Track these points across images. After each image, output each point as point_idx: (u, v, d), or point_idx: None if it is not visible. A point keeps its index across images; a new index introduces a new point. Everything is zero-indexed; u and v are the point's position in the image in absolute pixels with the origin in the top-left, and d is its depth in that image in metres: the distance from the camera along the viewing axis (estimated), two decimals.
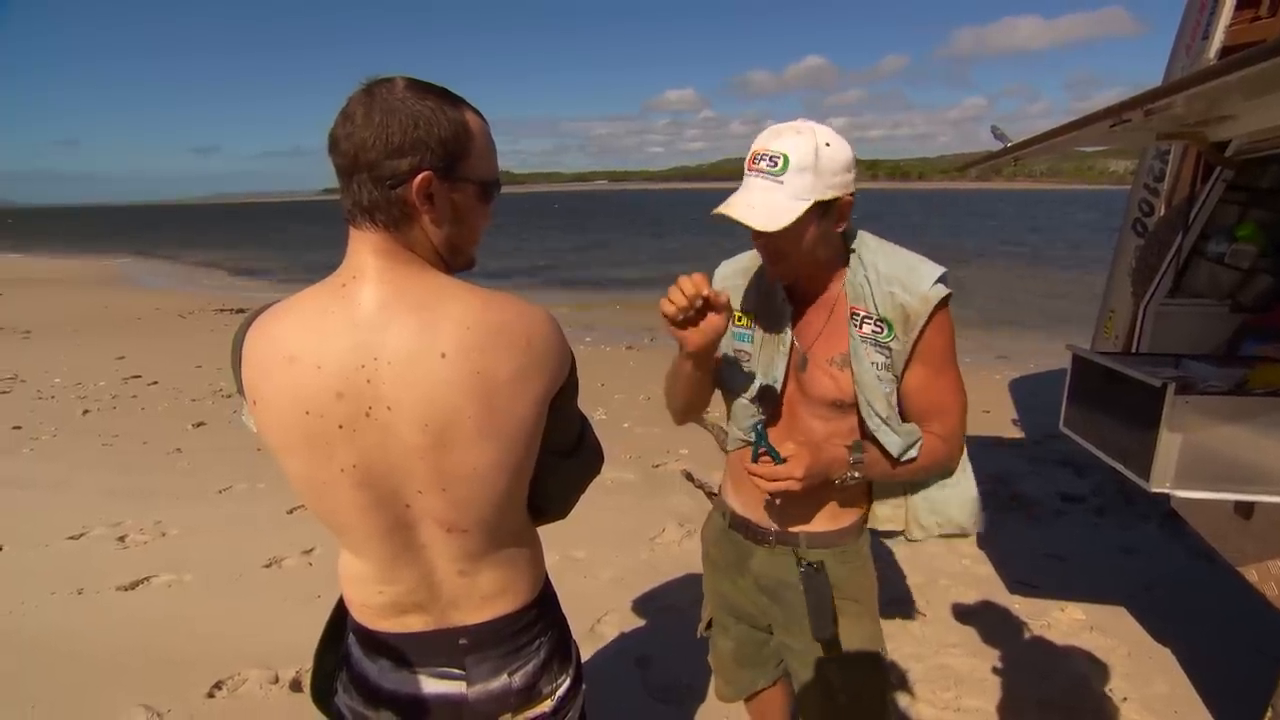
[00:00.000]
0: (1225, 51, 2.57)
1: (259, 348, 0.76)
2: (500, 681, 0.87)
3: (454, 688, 0.87)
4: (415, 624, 0.86)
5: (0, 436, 4.78)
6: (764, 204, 0.99)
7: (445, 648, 0.87)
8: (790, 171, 0.98)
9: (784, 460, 1.07)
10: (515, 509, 0.87)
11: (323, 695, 0.98)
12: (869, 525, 1.27)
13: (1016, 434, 4.73)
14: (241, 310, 10.86)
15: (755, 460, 1.09)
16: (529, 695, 0.89)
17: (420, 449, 0.75)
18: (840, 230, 1.08)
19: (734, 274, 1.25)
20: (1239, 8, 2.59)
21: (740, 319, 1.22)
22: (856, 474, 1.12)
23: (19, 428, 4.95)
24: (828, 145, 1.00)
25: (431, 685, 0.87)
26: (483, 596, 0.86)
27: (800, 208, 0.98)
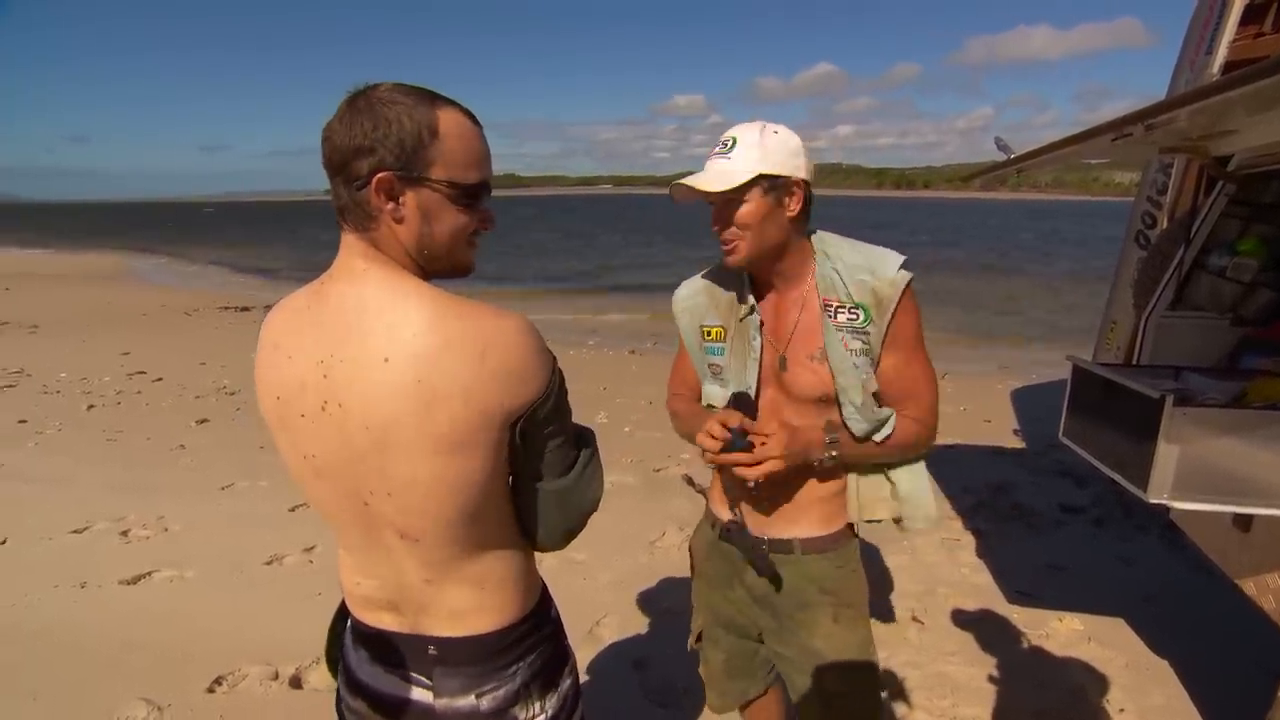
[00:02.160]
0: (1229, 67, 2.59)
1: (261, 336, 0.82)
2: (467, 702, 0.85)
3: (422, 695, 0.86)
4: (389, 622, 0.87)
5: (6, 430, 4.81)
6: (713, 173, 1.10)
7: (415, 653, 0.86)
8: (738, 149, 1.10)
9: (759, 444, 1.09)
10: (478, 526, 0.82)
11: (334, 664, 1.00)
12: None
13: (1017, 444, 4.73)
14: (246, 308, 10.92)
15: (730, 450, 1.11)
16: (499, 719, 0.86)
17: (364, 450, 0.76)
18: (793, 216, 1.12)
19: (694, 293, 1.30)
20: (1243, 23, 2.60)
21: (710, 332, 1.26)
22: (834, 453, 1.15)
23: (24, 422, 4.99)
24: (775, 133, 1.10)
25: (400, 688, 0.87)
26: (451, 611, 0.84)
27: (745, 175, 1.07)
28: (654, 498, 3.75)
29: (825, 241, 1.18)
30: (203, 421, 5.12)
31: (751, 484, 1.12)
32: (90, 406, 5.44)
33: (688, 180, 1.10)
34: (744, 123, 1.13)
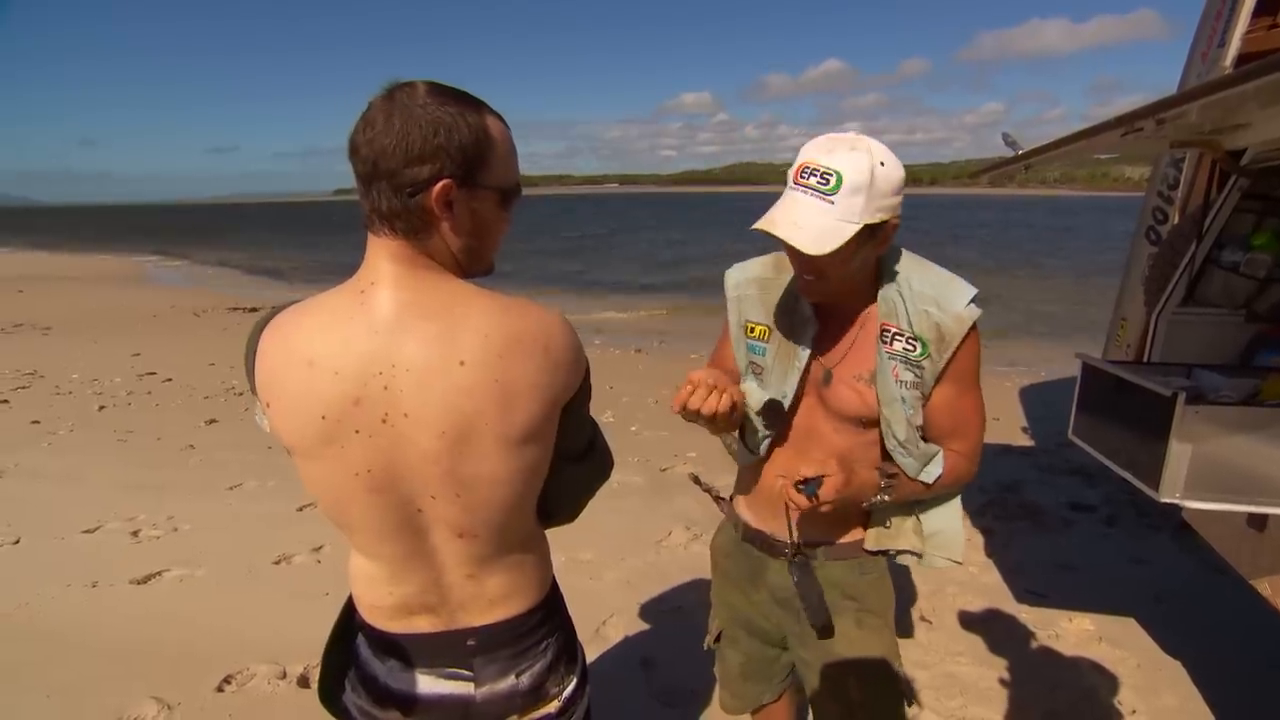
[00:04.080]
0: (1241, 59, 2.55)
1: (275, 350, 0.76)
2: (508, 682, 0.88)
3: (462, 688, 0.87)
4: (424, 625, 0.87)
5: (19, 431, 4.86)
6: (811, 224, 0.95)
7: (453, 649, 0.87)
8: (842, 192, 0.94)
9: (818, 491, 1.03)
10: (525, 513, 0.87)
11: (330, 693, 0.99)
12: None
13: (1026, 442, 4.69)
14: (254, 309, 10.98)
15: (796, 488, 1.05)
16: (536, 696, 0.90)
17: (435, 455, 0.75)
18: (880, 253, 1.06)
19: (747, 282, 1.21)
20: (1256, 15, 2.57)
21: (754, 329, 1.19)
22: (887, 497, 1.10)
23: (37, 422, 5.03)
24: (882, 165, 0.96)
25: (439, 686, 0.88)
26: (490, 599, 0.87)
27: (849, 231, 0.94)
28: (661, 497, 3.74)
29: (894, 260, 1.09)
30: (212, 422, 5.15)
31: (792, 507, 1.07)
32: (101, 407, 5.49)
33: (783, 234, 0.95)
34: (843, 142, 0.97)
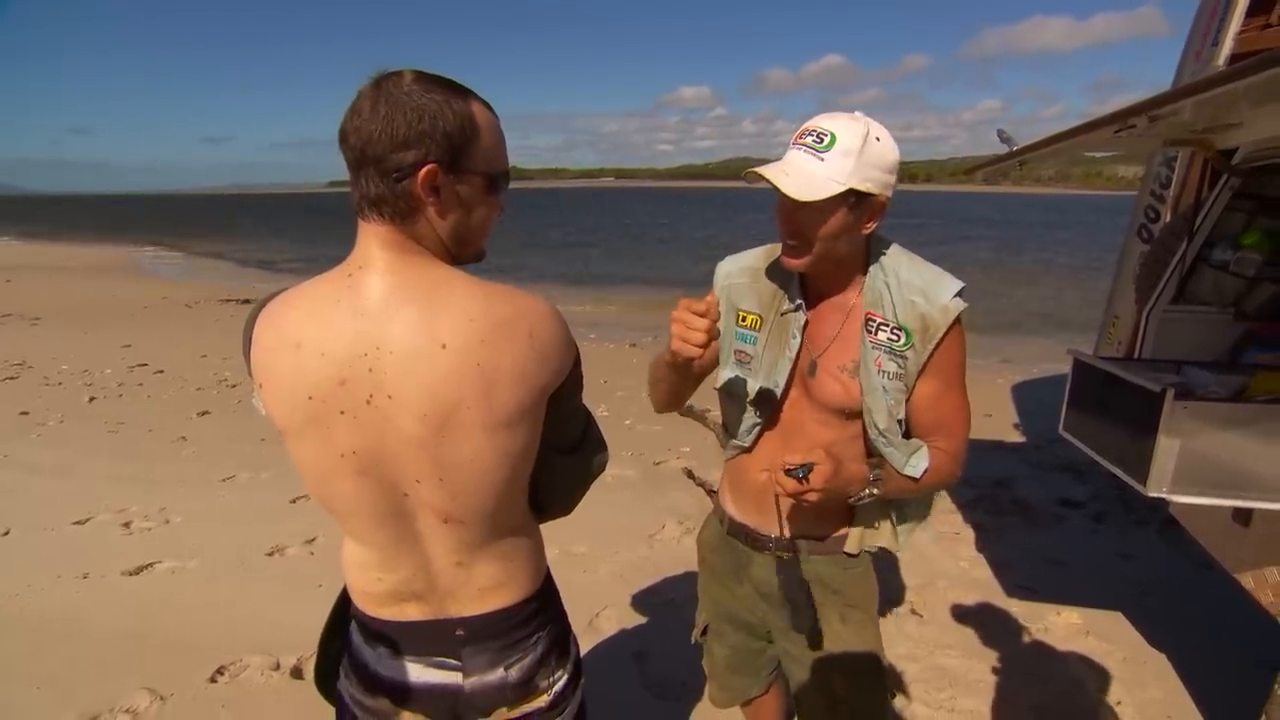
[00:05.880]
0: (1235, 58, 2.56)
1: (267, 333, 0.78)
2: (496, 675, 0.88)
3: (450, 678, 0.88)
4: (413, 613, 0.87)
5: (8, 422, 4.82)
6: (800, 173, 0.99)
7: (442, 638, 0.87)
8: (834, 151, 0.98)
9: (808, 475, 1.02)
10: (514, 502, 0.87)
11: (325, 680, 1.00)
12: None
13: (1017, 438, 4.73)
14: (247, 301, 10.91)
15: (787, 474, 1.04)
16: (525, 689, 0.90)
17: (419, 439, 0.76)
18: (867, 233, 1.06)
19: (739, 272, 1.21)
20: (1250, 14, 2.57)
21: (745, 318, 1.19)
22: (874, 491, 1.10)
23: (26, 413, 4.99)
24: (878, 140, 0.99)
25: (428, 675, 0.88)
26: (480, 588, 0.87)
27: (835, 188, 0.97)
28: (654, 491, 3.75)
29: (882, 251, 1.10)
30: (204, 413, 5.12)
31: (781, 494, 1.06)
32: (92, 399, 5.45)
33: (770, 176, 0.98)
34: (844, 114, 1.01)
